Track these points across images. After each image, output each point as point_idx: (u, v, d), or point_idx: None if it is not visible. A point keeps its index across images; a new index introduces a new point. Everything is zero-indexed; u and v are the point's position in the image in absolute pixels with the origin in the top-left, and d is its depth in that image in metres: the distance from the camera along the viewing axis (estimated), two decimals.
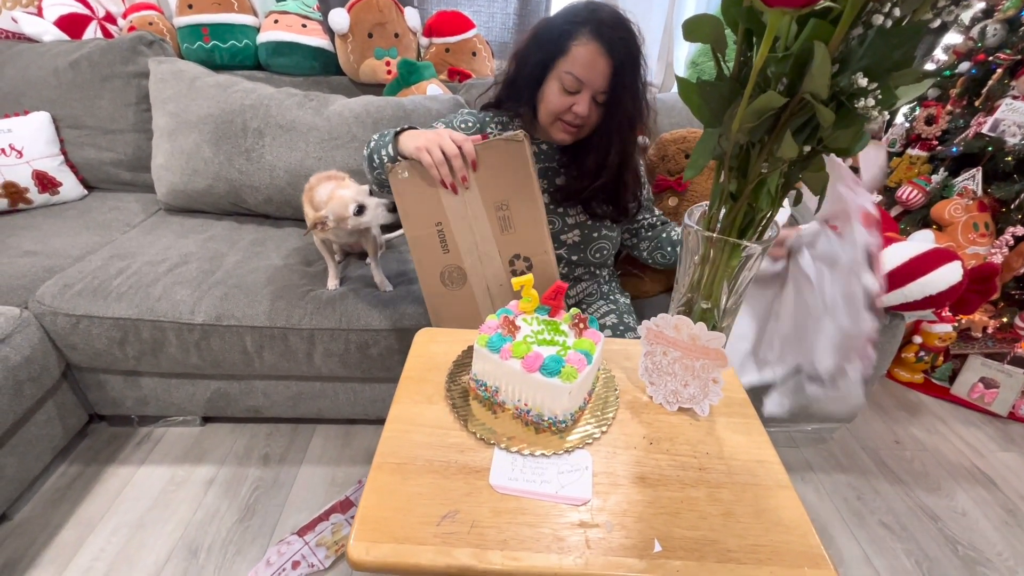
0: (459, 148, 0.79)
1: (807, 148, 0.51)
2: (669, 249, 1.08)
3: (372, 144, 0.91)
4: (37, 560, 1.07)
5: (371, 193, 1.05)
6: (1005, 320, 1.57)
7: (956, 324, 1.61)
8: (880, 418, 1.59)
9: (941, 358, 1.70)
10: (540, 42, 0.91)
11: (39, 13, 1.59)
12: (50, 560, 1.07)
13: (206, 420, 1.41)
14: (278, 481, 1.26)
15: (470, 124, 1.01)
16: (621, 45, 0.85)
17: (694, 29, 0.49)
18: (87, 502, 1.19)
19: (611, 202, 1.02)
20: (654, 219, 1.11)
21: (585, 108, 0.89)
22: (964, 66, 1.68)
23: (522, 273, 0.87)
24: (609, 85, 0.88)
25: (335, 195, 1.03)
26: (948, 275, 1.12)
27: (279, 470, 1.29)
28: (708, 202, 0.63)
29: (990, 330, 1.59)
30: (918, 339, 1.66)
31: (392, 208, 1.01)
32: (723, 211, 0.60)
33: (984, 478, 1.40)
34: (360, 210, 1.02)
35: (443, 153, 0.78)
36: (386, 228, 1.43)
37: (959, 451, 1.48)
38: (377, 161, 0.88)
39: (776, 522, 0.52)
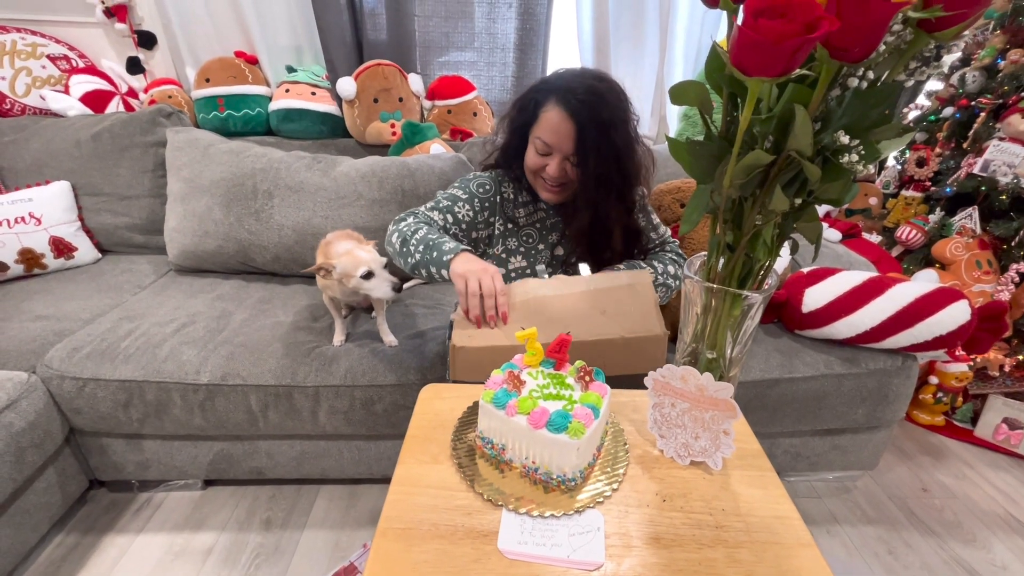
0: (494, 297, 0.80)
1: (798, 200, 0.52)
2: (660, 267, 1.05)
3: (419, 256, 0.89)
4: None
5: (385, 266, 1.07)
6: (1021, 358, 1.54)
7: (972, 363, 1.58)
8: (904, 464, 1.53)
9: (960, 398, 1.66)
10: (518, 110, 0.98)
11: (66, 91, 1.70)
12: None
13: (207, 483, 1.38)
14: (279, 548, 1.21)
15: (488, 188, 1.05)
16: (585, 109, 0.89)
17: (680, 94, 0.52)
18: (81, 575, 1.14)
19: (612, 256, 1.04)
20: (657, 238, 1.11)
21: (555, 170, 0.95)
22: (948, 111, 1.74)
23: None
24: (575, 148, 0.92)
25: (353, 253, 1.06)
26: (956, 314, 1.11)
27: (281, 535, 1.24)
28: (706, 252, 0.64)
29: (1007, 368, 1.55)
30: (934, 379, 1.63)
31: (397, 289, 1.05)
32: (721, 261, 0.61)
33: (1020, 527, 1.32)
34: (368, 275, 1.05)
35: (480, 289, 0.80)
36: None
37: (990, 498, 1.41)
38: (425, 273, 0.90)
39: None
